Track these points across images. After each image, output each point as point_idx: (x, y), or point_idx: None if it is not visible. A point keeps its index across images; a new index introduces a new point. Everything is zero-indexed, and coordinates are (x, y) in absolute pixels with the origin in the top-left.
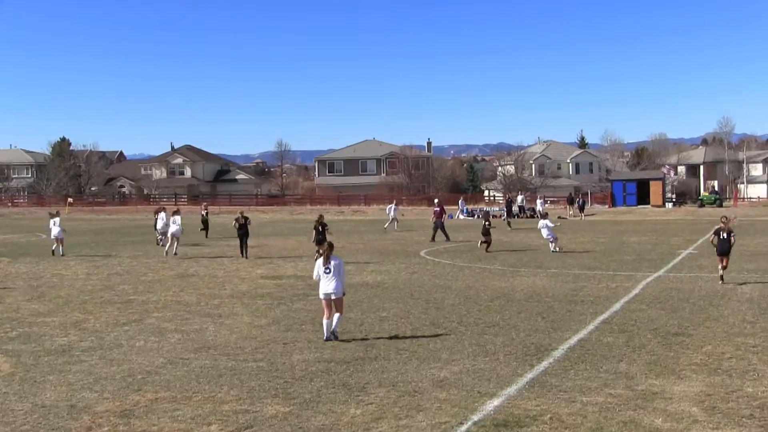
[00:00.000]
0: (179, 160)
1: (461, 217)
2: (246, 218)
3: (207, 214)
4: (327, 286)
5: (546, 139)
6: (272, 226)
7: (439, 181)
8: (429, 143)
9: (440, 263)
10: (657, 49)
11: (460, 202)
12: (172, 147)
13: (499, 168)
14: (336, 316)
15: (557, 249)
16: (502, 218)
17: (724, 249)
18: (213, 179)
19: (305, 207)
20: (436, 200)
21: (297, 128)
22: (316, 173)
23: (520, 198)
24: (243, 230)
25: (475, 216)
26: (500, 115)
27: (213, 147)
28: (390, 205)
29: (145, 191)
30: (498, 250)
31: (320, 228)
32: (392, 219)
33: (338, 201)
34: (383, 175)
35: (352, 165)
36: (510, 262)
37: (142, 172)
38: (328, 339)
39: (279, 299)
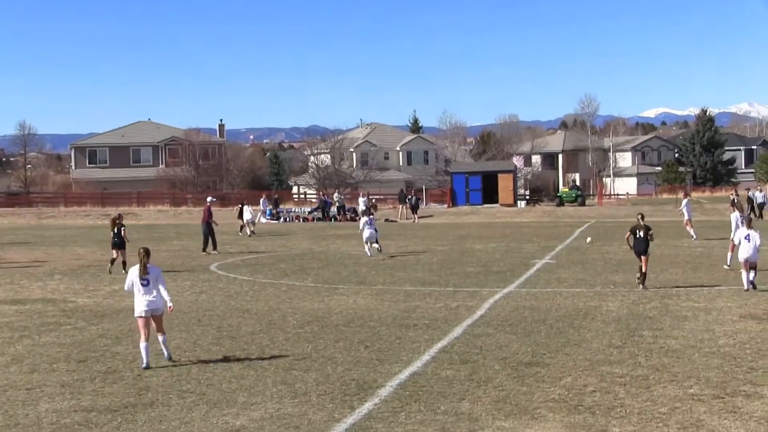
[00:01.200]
0: None
1: (263, 220)
2: None
3: None
4: (146, 300)
5: (370, 122)
6: (13, 234)
7: (235, 173)
8: (221, 126)
9: (236, 280)
10: (506, 19)
11: (261, 201)
12: None
13: (312, 158)
14: (161, 338)
15: (378, 249)
16: (313, 219)
17: (640, 248)
18: None
19: (58, 209)
20: (209, 198)
21: (46, 106)
22: (73, 164)
23: (336, 196)
24: None
25: (282, 219)
26: (312, 93)
27: None
28: (240, 207)
29: None
30: (312, 262)
31: (117, 230)
32: (250, 221)
33: (102, 200)
34: (162, 166)
35: (121, 154)
36: (325, 277)
37: None
38: (147, 367)
39: (21, 331)
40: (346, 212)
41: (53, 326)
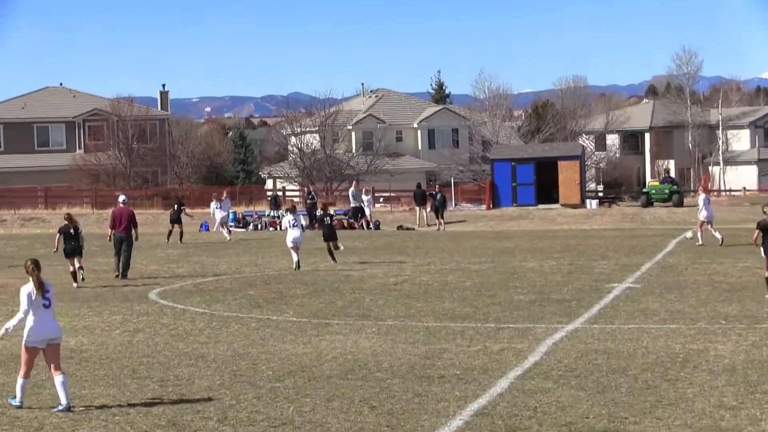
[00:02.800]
0: None
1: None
2: None
3: None
4: (44, 327)
5: (376, 88)
6: None
7: (185, 161)
8: (164, 94)
9: (186, 312)
10: None
11: (215, 202)
12: None
13: (293, 139)
14: (59, 379)
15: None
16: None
17: None
18: None
19: None
20: (121, 197)
21: None
22: None
23: (365, 198)
24: None
25: (251, 227)
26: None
27: None
28: (218, 203)
29: None
30: (294, 287)
31: (72, 232)
32: (221, 222)
33: None
34: (80, 151)
35: (21, 133)
36: (313, 308)
37: None
38: (21, 406)
39: None
40: (352, 218)
41: None
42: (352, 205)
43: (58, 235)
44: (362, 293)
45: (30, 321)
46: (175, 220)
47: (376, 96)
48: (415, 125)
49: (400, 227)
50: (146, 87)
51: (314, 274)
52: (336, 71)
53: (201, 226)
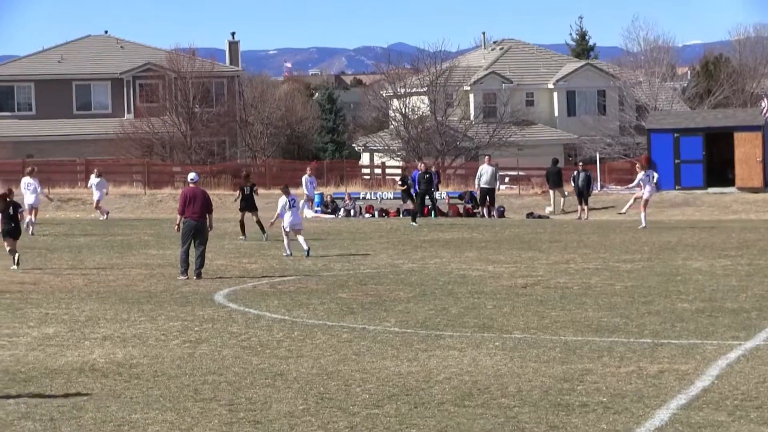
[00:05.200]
0: None
1: (310, 213)
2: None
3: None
4: None
5: (500, 39)
6: None
7: (260, 130)
8: (233, 44)
9: (261, 318)
10: None
11: (305, 179)
12: None
13: (395, 102)
14: None
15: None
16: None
17: None
18: None
19: None
20: (191, 175)
21: None
22: None
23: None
24: None
25: (341, 212)
26: None
27: None
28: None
29: None
30: (396, 290)
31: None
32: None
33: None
34: (129, 116)
35: (59, 94)
36: (420, 316)
37: None
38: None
39: None
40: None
41: None
42: (484, 185)
43: None
44: (482, 298)
45: None
46: (246, 206)
47: (501, 48)
48: (551, 86)
49: (530, 215)
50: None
51: (421, 274)
52: (450, 18)
53: (313, 202)
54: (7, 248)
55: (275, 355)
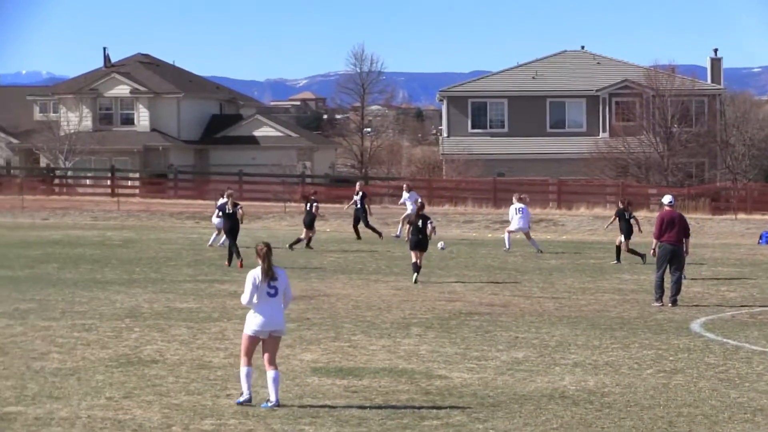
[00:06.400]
0: (124, 88)
1: None
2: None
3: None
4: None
5: None
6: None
7: (741, 151)
8: (716, 61)
9: (740, 349)
10: None
11: None
12: (107, 59)
13: None
14: (272, 374)
15: None
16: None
17: None
18: (201, 137)
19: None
20: (667, 198)
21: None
22: (445, 127)
23: None
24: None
25: None
26: None
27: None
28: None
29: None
30: None
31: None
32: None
33: (495, 195)
34: (605, 134)
35: (533, 111)
36: None
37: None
38: (250, 399)
39: (356, 426)
40: None
41: (410, 421)
42: None
43: None
44: None
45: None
46: (309, 224)
47: None
48: None
49: None
50: (692, 53)
51: None
52: None
53: (761, 238)
54: (413, 260)
55: (755, 389)
